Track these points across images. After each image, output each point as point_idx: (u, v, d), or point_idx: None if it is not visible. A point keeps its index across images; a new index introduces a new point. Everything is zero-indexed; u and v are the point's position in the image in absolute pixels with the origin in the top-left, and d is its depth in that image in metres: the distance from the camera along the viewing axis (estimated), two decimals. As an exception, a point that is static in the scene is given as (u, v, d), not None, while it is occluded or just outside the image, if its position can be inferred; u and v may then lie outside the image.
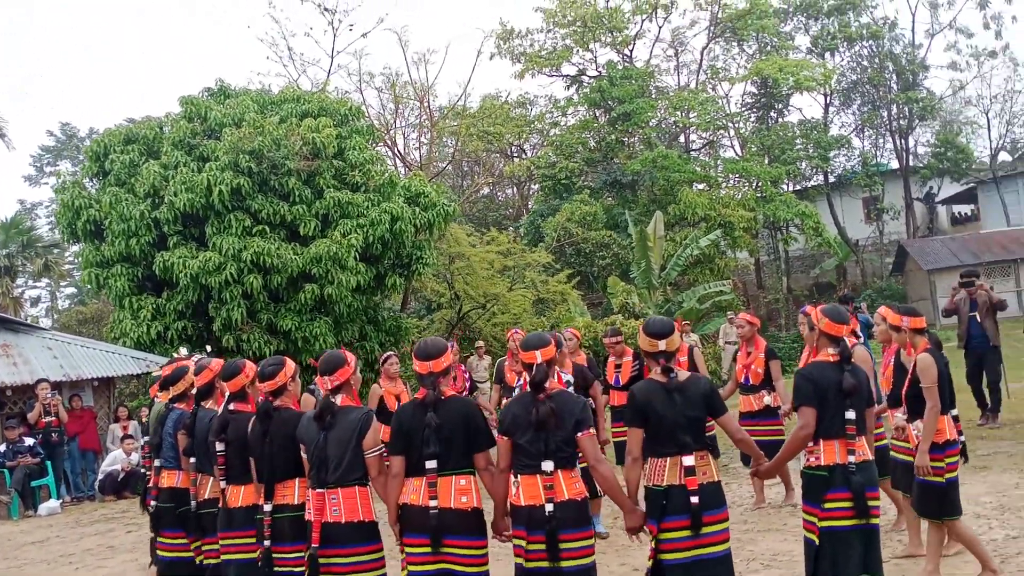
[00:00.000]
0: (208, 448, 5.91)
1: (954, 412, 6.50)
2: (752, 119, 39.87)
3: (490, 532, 5.18)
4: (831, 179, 40.62)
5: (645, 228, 27.92)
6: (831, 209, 39.41)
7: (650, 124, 36.31)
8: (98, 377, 17.07)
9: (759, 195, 34.60)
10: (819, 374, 5.27)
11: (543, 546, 4.86)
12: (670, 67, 40.16)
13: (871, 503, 5.16)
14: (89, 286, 20.05)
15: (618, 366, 10.16)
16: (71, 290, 47.86)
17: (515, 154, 39.53)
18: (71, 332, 28.07)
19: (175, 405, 6.69)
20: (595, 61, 37.47)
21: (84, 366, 17.14)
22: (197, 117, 19.62)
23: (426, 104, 30.98)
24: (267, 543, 5.36)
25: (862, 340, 8.13)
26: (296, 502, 5.39)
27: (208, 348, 11.46)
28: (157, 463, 6.70)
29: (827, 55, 39.46)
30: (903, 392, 6.58)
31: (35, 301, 46.34)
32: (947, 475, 6.20)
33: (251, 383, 5.82)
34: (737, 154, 39.05)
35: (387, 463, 5.23)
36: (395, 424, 5.17)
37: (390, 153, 30.67)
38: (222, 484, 5.77)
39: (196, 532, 6.23)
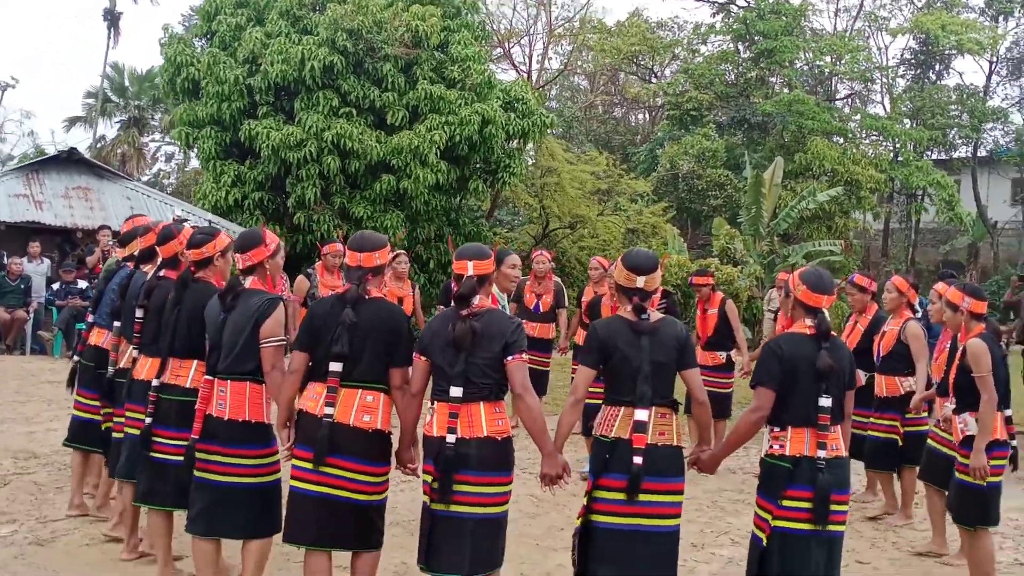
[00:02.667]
0: (132, 313, 5.56)
1: (1008, 412, 5.69)
2: (907, 77, 37.34)
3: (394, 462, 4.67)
4: (981, 153, 37.87)
5: (762, 173, 26.53)
6: (974, 184, 36.82)
7: (795, 66, 34.36)
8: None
9: (894, 157, 32.48)
10: (791, 349, 4.45)
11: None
12: (829, 9, 37.87)
13: (836, 507, 4.37)
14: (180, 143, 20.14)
15: (705, 310, 9.07)
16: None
17: (647, 77, 38.13)
18: (188, 191, 28.65)
19: (127, 264, 6.25)
20: (745, -11, 35.55)
21: (156, 219, 17.28)
22: (307, -13, 19.28)
23: (545, 6, 29.88)
24: (148, 420, 5.01)
25: (919, 316, 7.27)
26: (188, 385, 5.00)
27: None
28: (91, 319, 6.38)
29: (1000, 19, 36.41)
30: (951, 380, 5.79)
31: (169, 157, 47.40)
32: (990, 478, 5.45)
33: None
34: (885, 110, 36.76)
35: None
36: (307, 317, 4.64)
37: (502, 54, 29.83)
38: (134, 353, 5.43)
39: (108, 399, 5.89)
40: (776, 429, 4.46)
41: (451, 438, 4.26)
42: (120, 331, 5.79)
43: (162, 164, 44.55)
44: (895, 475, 7.42)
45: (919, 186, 32.39)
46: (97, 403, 5.98)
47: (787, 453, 4.39)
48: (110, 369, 5.80)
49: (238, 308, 4.69)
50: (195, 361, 5.02)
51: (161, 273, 5.47)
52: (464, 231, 20.24)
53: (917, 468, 6.71)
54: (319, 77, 17.40)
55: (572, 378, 8.64)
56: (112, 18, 36.89)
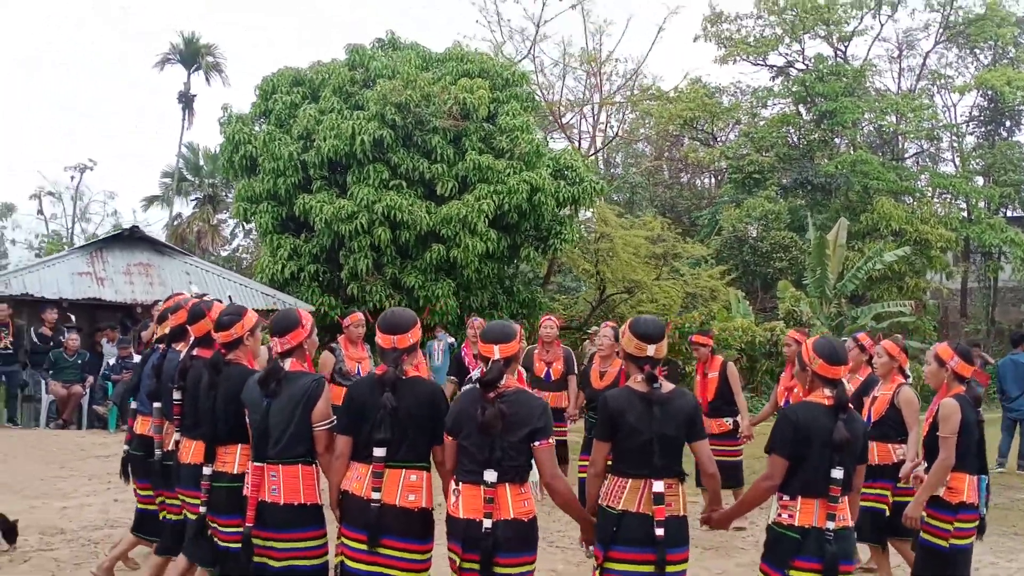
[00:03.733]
0: (170, 394, 5.50)
1: (986, 478, 5.53)
2: (977, 134, 36.64)
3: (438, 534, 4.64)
4: (1060, 209, 36.80)
5: (825, 235, 26.13)
6: (1053, 242, 35.73)
7: (860, 126, 34.01)
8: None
9: (965, 216, 31.74)
10: (807, 418, 4.39)
11: (476, 566, 4.25)
12: (892, 69, 37.49)
13: None
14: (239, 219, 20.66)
15: (705, 374, 8.94)
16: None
17: (708, 142, 38.06)
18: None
19: (159, 346, 6.17)
20: (803, 53, 35.43)
21: (213, 294, 17.58)
22: (360, 66, 19.77)
23: (596, 75, 30.12)
24: (203, 509, 4.97)
25: (910, 380, 7.03)
26: (235, 471, 4.91)
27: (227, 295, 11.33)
28: (134, 406, 6.30)
29: (1070, 72, 35.60)
30: (924, 439, 5.65)
31: (248, 232, 48.51)
32: (952, 540, 5.32)
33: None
34: (956, 168, 36.08)
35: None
36: (346, 400, 4.61)
37: (554, 122, 30.06)
38: (175, 436, 5.38)
39: (160, 483, 5.80)
40: (786, 498, 4.40)
41: (488, 523, 4.23)
42: (161, 412, 5.74)
43: (241, 240, 45.63)
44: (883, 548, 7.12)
45: (994, 244, 31.57)
46: (152, 493, 5.93)
47: (796, 523, 4.34)
48: (157, 452, 5.74)
49: (283, 393, 4.64)
50: (239, 446, 4.95)
51: (194, 352, 5.39)
52: (519, 298, 20.26)
53: (909, 539, 6.36)
54: (369, 151, 17.75)
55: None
56: (187, 100, 38.28)
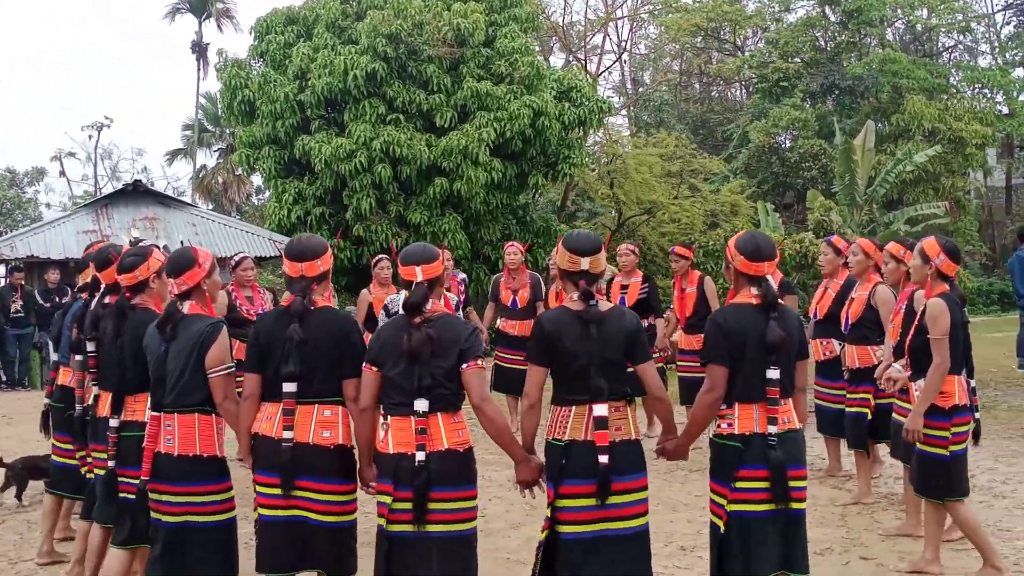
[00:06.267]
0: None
1: (972, 382, 5.28)
2: (1013, 23, 35.13)
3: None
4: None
5: (852, 139, 25.25)
6: (1098, 132, 34.29)
7: (889, 24, 32.62)
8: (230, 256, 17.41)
9: (1003, 111, 30.50)
10: (736, 321, 4.13)
11: (410, 505, 4.00)
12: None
13: (794, 484, 4.07)
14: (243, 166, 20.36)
15: (683, 288, 8.84)
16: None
17: (733, 52, 36.93)
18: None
19: (82, 295, 5.88)
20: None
21: (221, 244, 17.47)
22: (352, -2, 19.22)
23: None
24: (111, 464, 4.75)
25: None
26: (146, 420, 4.64)
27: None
28: (54, 357, 6.14)
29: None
30: (907, 342, 5.40)
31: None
32: (952, 447, 5.07)
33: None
34: (996, 61, 34.61)
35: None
36: (252, 336, 4.41)
37: (560, 44, 29.28)
38: (94, 389, 5.11)
39: (81, 439, 5.53)
40: (723, 407, 4.17)
41: (421, 455, 4.00)
42: (82, 366, 5.41)
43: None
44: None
45: (1030, 137, 30.43)
46: (71, 447, 5.68)
47: (736, 431, 4.12)
48: (78, 407, 5.41)
49: (179, 337, 4.40)
50: (148, 394, 4.67)
51: (106, 300, 5.10)
52: (533, 228, 19.82)
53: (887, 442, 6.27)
54: (363, 86, 17.27)
55: None
56: (200, 50, 37.96)
